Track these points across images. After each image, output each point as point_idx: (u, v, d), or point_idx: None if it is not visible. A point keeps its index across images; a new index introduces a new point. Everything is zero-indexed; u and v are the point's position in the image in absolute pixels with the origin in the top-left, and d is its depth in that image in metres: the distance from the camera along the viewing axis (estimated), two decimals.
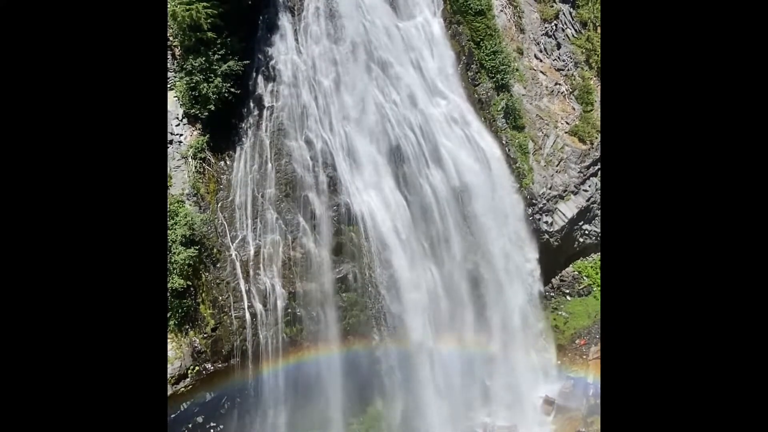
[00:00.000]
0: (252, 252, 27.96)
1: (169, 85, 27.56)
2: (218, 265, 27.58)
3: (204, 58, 26.67)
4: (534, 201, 35.35)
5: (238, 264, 27.72)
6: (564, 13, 38.85)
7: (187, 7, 25.70)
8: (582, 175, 37.24)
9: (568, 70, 38.54)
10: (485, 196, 32.78)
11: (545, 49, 38.30)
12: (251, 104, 28.57)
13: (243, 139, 28.41)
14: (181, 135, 27.77)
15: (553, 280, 38.88)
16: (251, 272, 27.88)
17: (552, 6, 38.59)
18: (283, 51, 28.73)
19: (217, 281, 27.54)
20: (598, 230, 38.46)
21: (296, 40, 28.89)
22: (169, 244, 25.92)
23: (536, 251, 35.42)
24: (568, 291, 38.82)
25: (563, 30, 38.83)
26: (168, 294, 26.11)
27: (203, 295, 27.27)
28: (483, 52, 34.27)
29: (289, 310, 28.61)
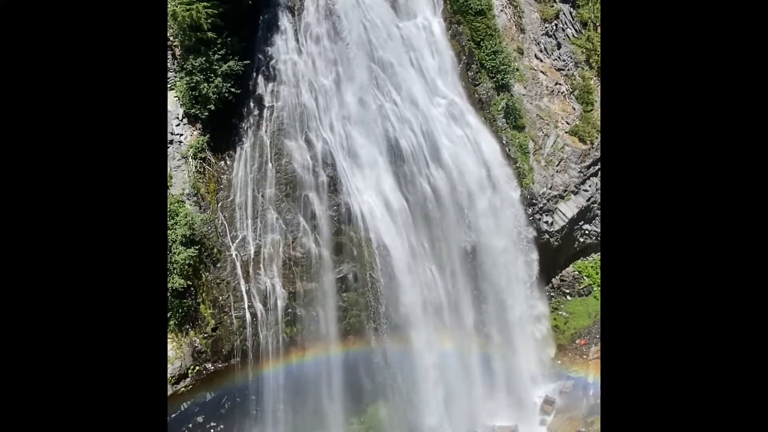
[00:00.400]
0: (252, 252, 27.95)
1: (169, 85, 27.55)
2: (218, 265, 27.58)
3: (204, 58, 26.66)
4: (534, 201, 35.35)
5: (238, 264, 27.72)
6: (564, 13, 38.86)
7: (188, 7, 25.68)
8: (582, 175, 37.23)
9: (569, 69, 38.54)
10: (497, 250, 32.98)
11: (545, 48, 38.30)
12: (251, 104, 28.56)
13: (243, 139, 28.40)
14: (182, 135, 27.77)
15: (553, 280, 38.90)
16: (251, 272, 27.87)
17: (552, 6, 38.59)
18: (283, 51, 28.68)
19: (218, 281, 27.54)
20: (599, 230, 38.46)
21: (296, 39, 28.85)
22: (170, 243, 25.91)
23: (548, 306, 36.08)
24: (568, 291, 38.83)
25: (563, 30, 38.83)
26: (168, 294, 26.11)
27: (203, 294, 27.28)
28: (483, 52, 34.26)
29: (290, 310, 28.60)
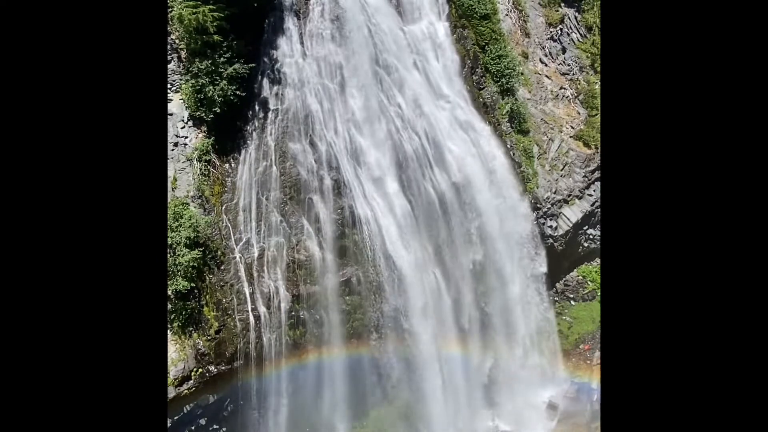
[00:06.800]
0: (256, 254, 27.99)
1: (175, 88, 27.66)
2: (222, 268, 27.62)
3: (210, 61, 26.74)
4: (539, 205, 35.31)
5: (242, 266, 27.76)
6: (569, 18, 38.88)
7: (194, 10, 25.80)
8: (587, 179, 37.20)
9: (573, 74, 38.54)
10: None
11: (550, 53, 38.31)
12: (256, 107, 28.63)
13: (248, 141, 28.46)
14: (187, 137, 27.86)
15: (557, 285, 38.81)
16: (255, 275, 27.91)
17: (557, 10, 38.62)
18: (288, 54, 28.76)
19: (221, 283, 27.57)
20: None
21: (302, 43, 28.93)
22: (174, 246, 25.95)
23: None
24: (572, 296, 38.75)
25: (568, 34, 38.84)
26: (172, 296, 26.16)
27: (207, 297, 27.31)
28: (488, 56, 34.28)
29: (293, 313, 28.62)
